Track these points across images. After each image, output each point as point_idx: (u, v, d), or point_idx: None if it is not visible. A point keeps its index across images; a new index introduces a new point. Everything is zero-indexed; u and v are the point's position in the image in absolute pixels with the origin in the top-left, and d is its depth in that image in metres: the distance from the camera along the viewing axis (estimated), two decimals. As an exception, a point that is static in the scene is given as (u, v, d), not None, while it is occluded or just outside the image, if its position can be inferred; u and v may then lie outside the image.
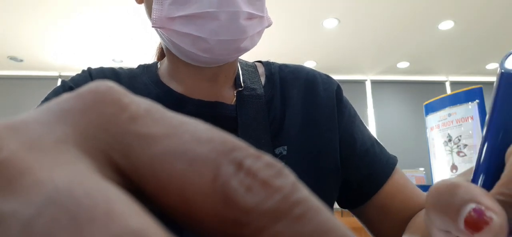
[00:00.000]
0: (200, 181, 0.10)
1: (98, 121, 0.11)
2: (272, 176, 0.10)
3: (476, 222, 0.19)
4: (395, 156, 0.59)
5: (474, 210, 0.19)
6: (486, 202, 0.19)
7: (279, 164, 0.10)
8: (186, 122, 0.11)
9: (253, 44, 0.51)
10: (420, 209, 0.54)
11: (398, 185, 0.56)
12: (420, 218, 0.52)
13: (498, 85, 0.22)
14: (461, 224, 0.19)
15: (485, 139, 0.23)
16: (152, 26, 0.48)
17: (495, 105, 0.23)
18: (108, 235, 0.07)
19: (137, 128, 0.10)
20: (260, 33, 0.51)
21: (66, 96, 0.11)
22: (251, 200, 0.09)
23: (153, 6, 0.48)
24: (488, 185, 0.22)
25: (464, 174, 0.25)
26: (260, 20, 0.50)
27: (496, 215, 0.19)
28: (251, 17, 0.48)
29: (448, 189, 0.21)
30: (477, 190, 0.20)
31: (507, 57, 0.23)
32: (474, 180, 0.23)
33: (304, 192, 0.10)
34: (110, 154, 0.10)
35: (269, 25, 0.53)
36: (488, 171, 0.22)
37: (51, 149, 0.10)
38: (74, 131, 0.10)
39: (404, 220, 0.54)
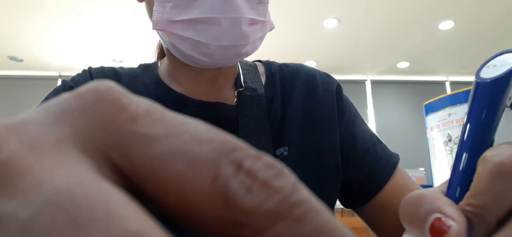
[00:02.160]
0: (200, 181, 0.10)
1: (98, 121, 0.10)
2: (272, 177, 0.10)
3: (438, 230, 0.20)
4: (396, 155, 0.59)
5: (436, 219, 0.20)
6: (447, 211, 0.20)
7: (279, 165, 0.10)
8: (186, 122, 0.11)
9: (254, 49, 0.50)
10: None
11: (399, 185, 0.55)
12: None
13: (473, 95, 0.23)
14: (427, 234, 0.20)
15: (459, 149, 0.23)
16: (153, 28, 0.48)
17: (470, 115, 0.23)
18: None
19: (136, 128, 0.10)
20: (261, 38, 0.51)
21: (65, 96, 0.11)
22: (251, 201, 0.09)
23: (154, 8, 0.47)
24: (462, 195, 0.22)
25: (441, 185, 0.25)
26: (263, 25, 0.50)
27: (454, 223, 0.20)
28: (253, 22, 0.47)
29: (416, 200, 0.22)
30: (442, 200, 0.21)
31: (482, 67, 0.23)
32: (449, 190, 0.23)
33: (304, 193, 0.10)
34: (110, 154, 0.10)
35: (271, 29, 0.52)
36: (462, 181, 0.23)
37: (51, 149, 0.10)
38: (74, 131, 0.10)
39: None
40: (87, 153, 0.10)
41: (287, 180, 0.10)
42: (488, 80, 0.22)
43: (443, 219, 0.20)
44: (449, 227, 0.20)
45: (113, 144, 0.10)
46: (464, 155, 0.23)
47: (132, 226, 0.08)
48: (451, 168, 0.24)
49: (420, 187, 0.57)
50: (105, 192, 0.09)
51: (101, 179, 0.09)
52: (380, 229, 0.57)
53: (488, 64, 0.23)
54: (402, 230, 0.53)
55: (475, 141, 0.22)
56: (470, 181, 0.22)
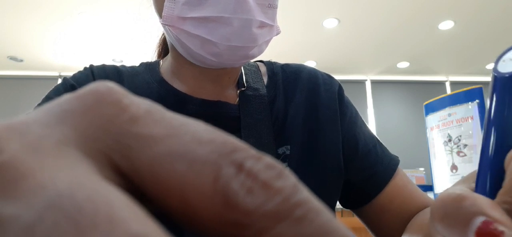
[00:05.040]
0: (200, 182, 0.10)
1: (99, 122, 0.10)
2: (272, 178, 0.10)
3: (487, 235, 0.19)
4: (396, 157, 0.59)
5: (484, 223, 0.19)
6: (495, 214, 0.19)
7: (279, 166, 0.10)
8: (186, 123, 0.11)
9: (260, 52, 0.51)
10: (420, 209, 0.54)
11: (399, 187, 0.55)
12: (420, 218, 0.52)
13: (493, 90, 0.22)
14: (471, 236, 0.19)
15: (485, 146, 0.22)
16: (162, 23, 0.47)
17: (492, 111, 0.22)
18: None
19: (137, 129, 0.10)
20: (268, 42, 0.51)
21: (66, 97, 0.11)
22: (251, 202, 0.09)
23: (165, 3, 0.46)
24: (492, 194, 0.21)
25: (465, 180, 0.24)
26: (270, 29, 0.50)
27: (506, 228, 0.19)
28: (262, 25, 0.48)
29: (455, 201, 0.21)
30: (484, 201, 0.20)
31: (498, 60, 0.23)
32: (477, 189, 0.22)
33: (305, 194, 0.10)
34: (111, 155, 0.10)
35: (277, 34, 0.53)
36: (491, 179, 0.22)
37: (52, 151, 0.10)
38: (75, 133, 0.10)
39: (404, 220, 0.54)
40: (88, 155, 0.10)
41: (288, 181, 0.10)
42: (507, 75, 0.22)
43: (492, 223, 0.19)
44: (501, 233, 0.19)
45: (114, 145, 0.10)
46: (491, 151, 0.22)
47: (135, 229, 0.08)
48: (478, 166, 0.23)
49: (420, 189, 0.58)
50: (107, 194, 0.09)
51: (103, 181, 0.09)
52: (379, 230, 0.57)
53: (503, 57, 0.23)
54: (401, 231, 0.53)
55: (501, 136, 0.22)
56: (498, 179, 0.21)
